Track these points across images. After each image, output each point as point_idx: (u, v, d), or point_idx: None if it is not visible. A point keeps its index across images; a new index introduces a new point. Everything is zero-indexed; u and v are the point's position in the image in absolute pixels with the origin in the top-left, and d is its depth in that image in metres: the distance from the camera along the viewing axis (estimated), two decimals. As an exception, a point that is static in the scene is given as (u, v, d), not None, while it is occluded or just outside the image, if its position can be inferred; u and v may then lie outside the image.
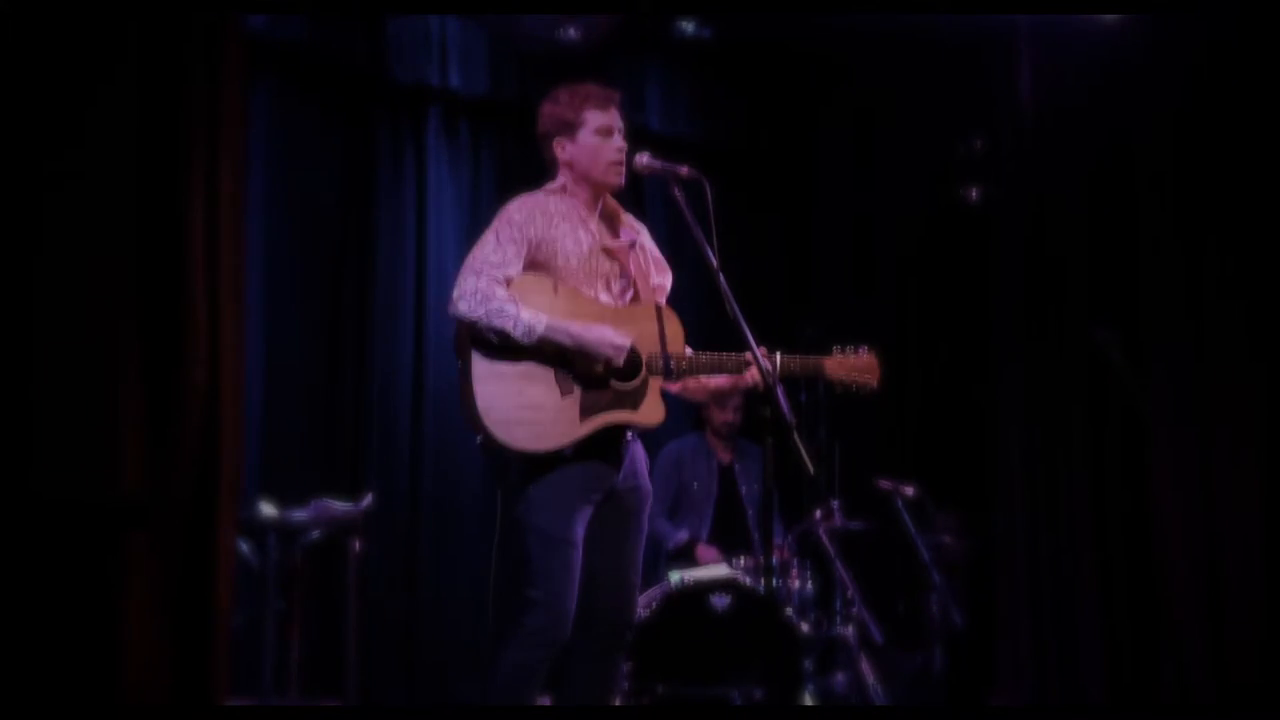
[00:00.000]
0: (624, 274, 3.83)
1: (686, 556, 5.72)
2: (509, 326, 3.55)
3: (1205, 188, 5.77)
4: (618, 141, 3.77)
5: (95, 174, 3.58)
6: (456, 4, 5.85)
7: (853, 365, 3.81)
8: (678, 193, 3.66)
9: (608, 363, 3.61)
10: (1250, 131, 5.66)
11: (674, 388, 3.84)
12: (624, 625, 3.76)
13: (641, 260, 3.87)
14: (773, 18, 6.12)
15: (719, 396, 4.05)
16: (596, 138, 3.76)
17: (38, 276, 3.50)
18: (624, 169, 3.79)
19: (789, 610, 5.24)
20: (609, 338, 3.62)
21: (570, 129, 3.77)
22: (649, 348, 3.71)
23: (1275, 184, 5.61)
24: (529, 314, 3.57)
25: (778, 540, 5.54)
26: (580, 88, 3.82)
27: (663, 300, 3.87)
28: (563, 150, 3.79)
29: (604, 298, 3.77)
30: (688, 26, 6.35)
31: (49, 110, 3.53)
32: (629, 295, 3.84)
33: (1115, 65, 5.92)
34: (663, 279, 3.92)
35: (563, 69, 4.63)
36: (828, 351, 3.83)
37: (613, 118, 3.78)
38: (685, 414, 6.10)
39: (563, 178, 3.83)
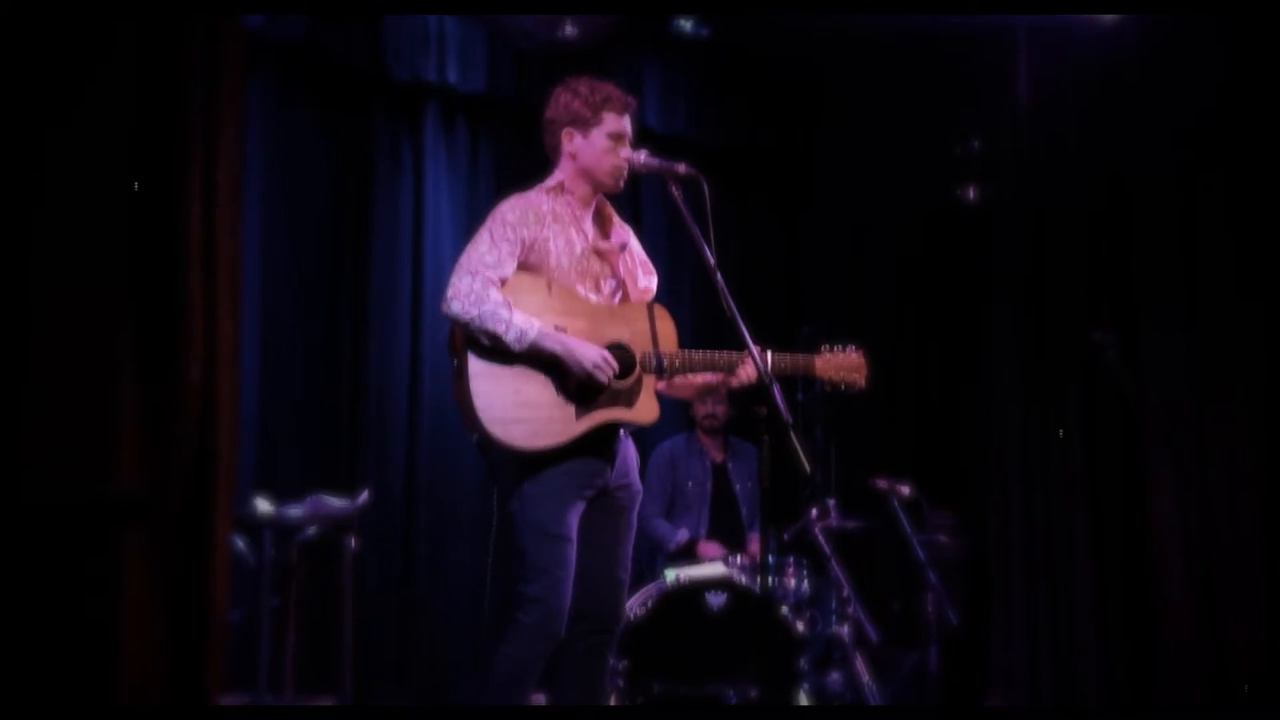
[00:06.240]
0: (614, 275, 3.84)
1: (688, 555, 5.73)
2: (501, 331, 3.55)
3: (1203, 188, 5.77)
4: (626, 151, 3.78)
5: (91, 171, 3.57)
6: (454, 3, 5.84)
7: (840, 364, 3.84)
8: (675, 191, 3.67)
9: (593, 375, 3.61)
10: (1249, 132, 5.66)
11: (660, 385, 3.85)
12: (612, 622, 3.77)
13: (630, 262, 3.88)
14: (771, 17, 6.11)
15: (700, 391, 4.07)
16: (608, 141, 3.76)
17: (33, 274, 3.49)
18: (625, 176, 3.80)
19: (784, 609, 5.24)
20: (599, 351, 3.62)
21: (584, 124, 3.77)
22: (642, 346, 3.72)
23: (1274, 184, 5.62)
24: (522, 319, 3.57)
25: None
26: (602, 86, 3.82)
27: None
28: (570, 141, 3.79)
29: (594, 299, 3.77)
30: (686, 25, 6.35)
31: (44, 108, 3.52)
32: (618, 297, 3.86)
33: (1113, 66, 5.93)
34: (649, 281, 3.93)
35: (561, 67, 4.63)
36: (818, 351, 3.84)
37: (626, 125, 3.79)
38: (676, 413, 6.10)
39: (561, 172, 3.83)
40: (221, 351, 3.80)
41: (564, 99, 3.81)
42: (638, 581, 5.14)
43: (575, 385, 3.63)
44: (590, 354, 3.61)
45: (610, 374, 3.62)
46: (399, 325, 5.97)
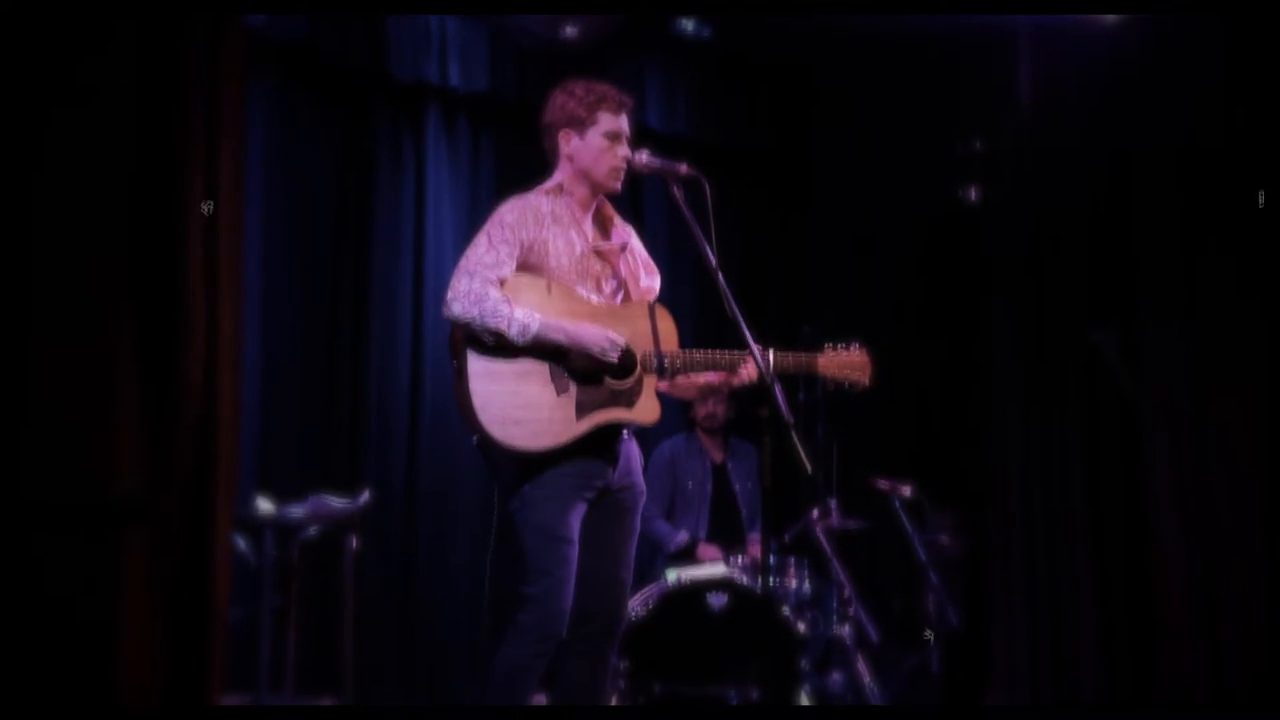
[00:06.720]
0: (615, 275, 3.84)
1: (688, 556, 5.73)
2: (503, 327, 3.55)
3: (1204, 188, 5.77)
4: (623, 150, 3.77)
5: (94, 170, 3.58)
6: (455, 3, 5.84)
7: (844, 362, 3.83)
8: (676, 191, 3.66)
9: (601, 359, 3.61)
10: (1249, 132, 5.66)
11: (662, 385, 3.85)
12: (615, 622, 3.77)
13: (631, 262, 3.88)
14: (773, 17, 6.11)
15: (702, 391, 4.07)
16: (604, 140, 3.76)
17: (35, 273, 3.50)
18: (623, 176, 3.80)
19: (785, 609, 5.24)
20: (605, 334, 3.62)
21: (580, 125, 3.76)
22: (643, 346, 3.72)
23: (1274, 183, 5.61)
24: (523, 313, 3.57)
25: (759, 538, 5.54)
26: (597, 86, 3.81)
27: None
28: (567, 143, 3.79)
29: (595, 299, 3.77)
30: (687, 25, 6.35)
31: (47, 106, 3.52)
32: (619, 297, 3.86)
33: (1115, 66, 5.92)
34: (651, 281, 3.93)
35: (562, 67, 4.63)
36: (821, 349, 3.84)
37: (623, 124, 3.78)
38: (676, 413, 6.09)
39: (560, 174, 3.82)
40: (222, 352, 3.80)
41: (559, 100, 3.81)
42: (639, 582, 5.14)
43: (580, 376, 3.63)
44: (596, 336, 3.61)
45: (619, 352, 3.62)
46: (400, 325, 5.97)
